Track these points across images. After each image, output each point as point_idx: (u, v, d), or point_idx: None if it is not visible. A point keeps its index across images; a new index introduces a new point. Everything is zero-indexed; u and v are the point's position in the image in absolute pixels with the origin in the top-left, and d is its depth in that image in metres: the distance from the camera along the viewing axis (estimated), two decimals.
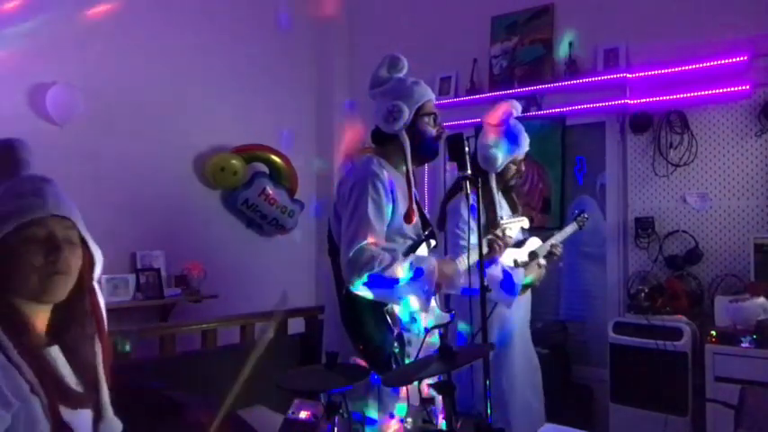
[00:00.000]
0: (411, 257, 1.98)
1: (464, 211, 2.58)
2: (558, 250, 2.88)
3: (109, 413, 1.25)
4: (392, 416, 1.94)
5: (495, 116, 2.71)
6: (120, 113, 3.76)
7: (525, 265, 2.72)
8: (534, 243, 2.81)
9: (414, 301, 1.94)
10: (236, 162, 4.23)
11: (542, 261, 2.83)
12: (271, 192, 4.37)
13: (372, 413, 1.94)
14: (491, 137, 2.69)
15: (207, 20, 4.26)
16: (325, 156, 4.95)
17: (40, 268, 1.14)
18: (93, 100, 3.56)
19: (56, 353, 1.18)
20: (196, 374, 2.69)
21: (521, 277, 2.63)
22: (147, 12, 3.92)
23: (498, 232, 2.38)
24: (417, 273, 1.91)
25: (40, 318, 1.18)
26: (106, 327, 1.28)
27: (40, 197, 1.15)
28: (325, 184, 4.87)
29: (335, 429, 1.54)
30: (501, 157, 2.64)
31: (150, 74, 3.92)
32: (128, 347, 2.51)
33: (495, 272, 2.51)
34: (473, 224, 1.95)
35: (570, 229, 2.99)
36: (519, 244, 2.75)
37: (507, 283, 2.54)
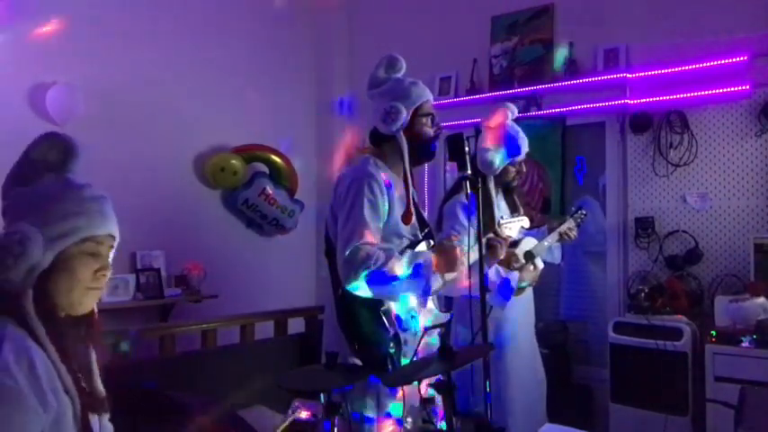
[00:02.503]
0: (408, 253, 1.98)
1: (460, 213, 2.58)
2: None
3: (106, 417, 1.26)
4: (390, 415, 1.94)
5: (491, 120, 2.73)
6: (120, 113, 3.76)
7: (521, 266, 2.72)
8: (530, 243, 2.80)
9: (412, 299, 1.94)
10: (236, 162, 4.23)
11: (539, 262, 2.83)
12: (271, 192, 4.37)
13: (371, 413, 1.94)
14: (488, 141, 2.71)
15: (207, 20, 4.26)
16: (325, 155, 4.95)
17: (85, 282, 1.19)
18: (93, 100, 3.56)
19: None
20: (196, 374, 2.69)
21: (515, 279, 2.63)
22: (146, 12, 3.92)
23: (497, 230, 2.37)
24: (416, 268, 1.91)
25: None
26: (101, 329, 1.30)
27: (104, 216, 1.22)
28: (325, 184, 4.87)
29: (335, 429, 1.54)
30: (498, 160, 2.65)
31: (150, 73, 3.92)
32: (125, 347, 2.51)
33: (490, 274, 2.51)
34: (472, 225, 1.95)
35: (566, 225, 2.97)
36: (514, 244, 2.74)
37: (504, 287, 2.54)
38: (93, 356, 1.26)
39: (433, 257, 1.95)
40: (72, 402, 1.12)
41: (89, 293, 1.21)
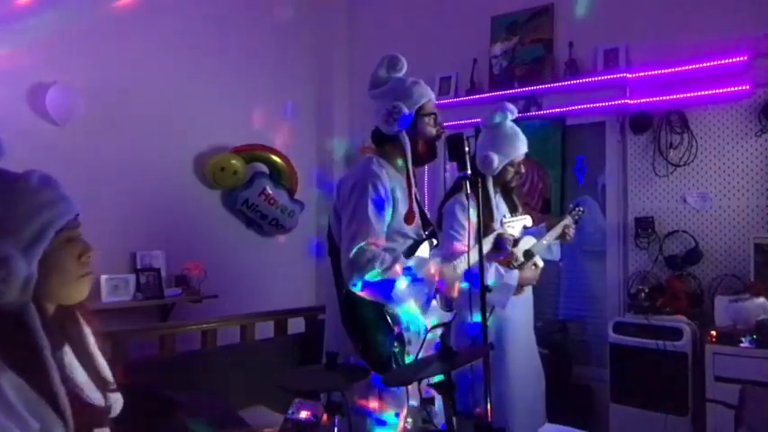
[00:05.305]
0: (412, 261, 1.98)
1: (459, 213, 2.59)
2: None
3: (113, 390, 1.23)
4: (390, 414, 1.94)
5: (490, 119, 2.73)
6: (120, 113, 3.76)
7: (521, 265, 2.72)
8: (529, 242, 2.80)
9: (413, 304, 1.94)
10: (236, 162, 4.23)
11: (539, 261, 2.83)
12: (271, 192, 4.37)
13: (372, 412, 1.94)
14: (487, 140, 2.71)
15: (207, 19, 4.26)
16: (325, 154, 4.95)
17: (74, 272, 1.13)
18: (93, 100, 3.56)
19: (69, 356, 1.14)
20: (196, 374, 2.69)
21: (515, 279, 2.63)
22: (146, 11, 3.92)
23: (500, 231, 2.38)
24: (417, 279, 1.91)
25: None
26: (90, 309, 1.26)
27: (65, 198, 1.14)
28: (325, 184, 4.87)
29: (335, 429, 1.54)
30: (497, 159, 2.65)
31: (150, 74, 3.92)
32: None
33: (490, 273, 2.51)
34: (471, 224, 1.95)
35: (564, 223, 2.96)
36: (514, 243, 2.74)
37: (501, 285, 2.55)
38: (91, 339, 1.22)
39: (436, 270, 1.96)
40: (63, 421, 1.05)
41: (82, 281, 1.15)
